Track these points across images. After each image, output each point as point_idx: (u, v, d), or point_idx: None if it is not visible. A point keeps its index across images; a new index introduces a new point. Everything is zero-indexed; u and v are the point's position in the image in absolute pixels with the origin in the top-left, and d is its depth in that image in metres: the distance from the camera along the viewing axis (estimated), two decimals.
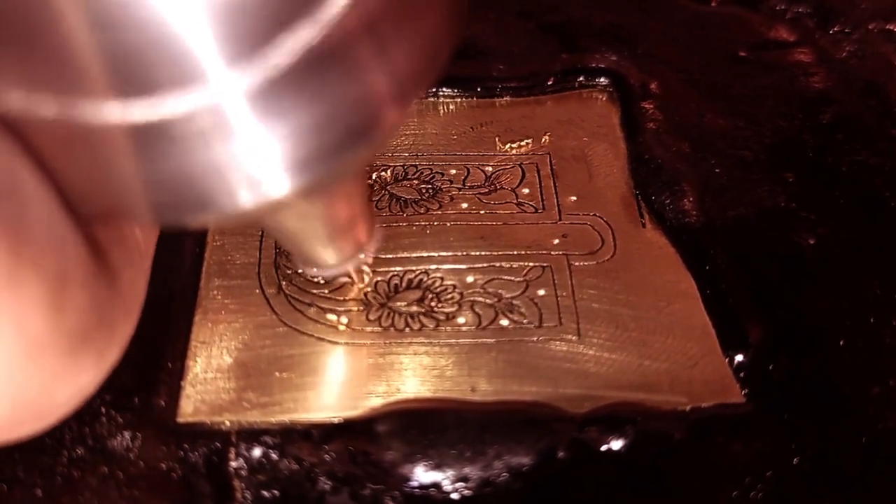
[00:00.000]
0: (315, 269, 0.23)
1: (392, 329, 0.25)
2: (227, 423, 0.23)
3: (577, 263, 0.27)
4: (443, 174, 0.30)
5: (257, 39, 0.09)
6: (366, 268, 0.26)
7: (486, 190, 0.29)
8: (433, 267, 0.27)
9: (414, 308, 0.25)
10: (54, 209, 0.11)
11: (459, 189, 0.29)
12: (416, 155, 0.30)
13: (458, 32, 0.12)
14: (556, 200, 0.29)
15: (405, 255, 0.27)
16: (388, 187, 0.29)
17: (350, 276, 0.25)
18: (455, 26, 0.11)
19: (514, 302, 0.26)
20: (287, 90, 0.10)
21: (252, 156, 0.10)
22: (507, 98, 0.33)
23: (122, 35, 0.08)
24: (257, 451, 0.22)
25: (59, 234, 0.11)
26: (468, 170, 0.30)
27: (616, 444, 0.22)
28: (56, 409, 0.12)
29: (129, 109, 0.09)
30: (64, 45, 0.08)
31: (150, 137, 0.09)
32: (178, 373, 0.24)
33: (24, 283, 0.10)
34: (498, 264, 0.27)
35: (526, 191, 0.29)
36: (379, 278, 0.26)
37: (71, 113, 0.09)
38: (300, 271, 0.26)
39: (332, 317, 0.25)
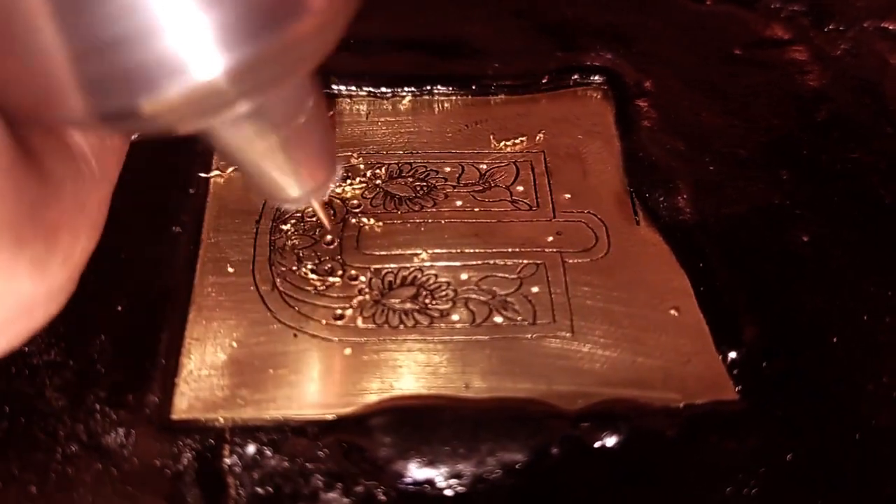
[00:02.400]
0: (280, 203, 0.22)
1: (386, 326, 0.25)
2: (221, 419, 0.23)
3: (571, 261, 0.27)
4: (437, 172, 0.30)
5: None
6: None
7: (481, 187, 0.29)
8: (427, 264, 0.27)
9: (408, 305, 0.26)
10: None
11: (454, 187, 0.29)
12: (411, 152, 0.30)
13: None
14: (550, 198, 0.29)
15: (399, 252, 0.27)
16: (382, 185, 0.29)
17: (315, 211, 0.25)
18: None
19: (508, 299, 0.26)
20: None
21: (175, 30, 0.10)
22: (502, 96, 0.33)
23: None
24: (251, 448, 0.22)
25: None
26: (463, 167, 0.30)
27: (609, 441, 0.22)
28: (3, 322, 0.12)
29: None
30: None
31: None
32: (173, 370, 0.24)
33: None
34: (492, 261, 0.27)
35: (520, 188, 0.29)
36: (371, 275, 0.26)
37: None
38: (293, 269, 0.26)
39: (326, 313, 0.25)
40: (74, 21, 0.10)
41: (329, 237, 0.27)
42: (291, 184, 0.19)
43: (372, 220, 0.28)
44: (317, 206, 0.24)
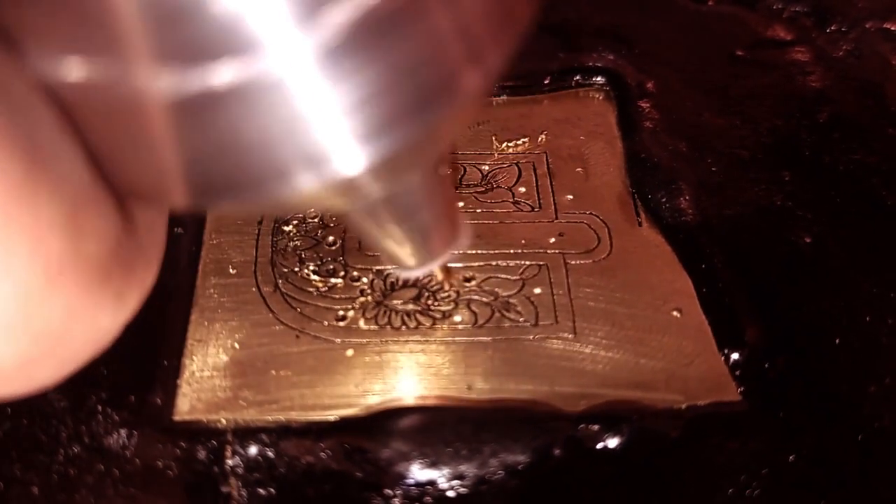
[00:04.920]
0: (400, 271, 0.21)
1: (388, 327, 0.25)
2: (224, 421, 0.23)
3: (573, 262, 0.27)
4: None
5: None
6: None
7: (483, 189, 0.29)
8: None
9: (410, 306, 0.25)
10: (69, 144, 0.10)
11: (456, 188, 0.29)
12: None
13: None
14: (552, 199, 0.29)
15: None
16: None
17: (437, 276, 0.25)
18: None
19: (511, 300, 0.26)
20: (352, 49, 0.09)
21: (318, 127, 0.09)
22: (504, 97, 0.33)
23: None
24: (254, 450, 0.22)
25: (73, 163, 0.11)
26: (465, 168, 0.30)
27: (612, 443, 0.22)
28: (74, 353, 0.12)
29: (178, 77, 0.08)
30: (107, 8, 0.08)
31: (199, 108, 0.09)
32: (175, 371, 0.24)
33: (38, 196, 0.10)
34: (494, 263, 0.27)
35: (522, 189, 0.29)
36: (373, 277, 0.26)
37: (111, 79, 0.08)
38: (295, 270, 0.26)
39: (328, 315, 0.25)
40: (199, 125, 0.09)
41: (331, 238, 0.27)
42: (408, 257, 0.18)
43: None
44: (437, 271, 0.25)
